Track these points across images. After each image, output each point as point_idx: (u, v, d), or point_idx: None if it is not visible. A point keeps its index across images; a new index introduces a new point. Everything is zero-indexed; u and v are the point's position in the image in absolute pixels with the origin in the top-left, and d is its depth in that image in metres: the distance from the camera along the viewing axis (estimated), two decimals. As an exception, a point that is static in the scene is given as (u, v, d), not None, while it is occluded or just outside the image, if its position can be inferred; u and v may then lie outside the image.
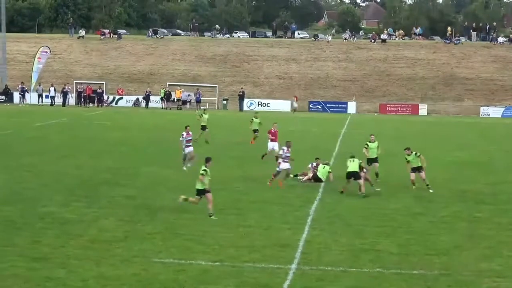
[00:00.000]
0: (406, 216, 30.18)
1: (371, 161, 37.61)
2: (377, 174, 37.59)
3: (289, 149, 36.16)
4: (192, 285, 20.41)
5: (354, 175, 33.94)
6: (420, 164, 35.23)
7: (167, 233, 26.07)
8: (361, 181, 33.71)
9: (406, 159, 35.78)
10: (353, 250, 24.52)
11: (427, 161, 36.21)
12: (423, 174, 35.24)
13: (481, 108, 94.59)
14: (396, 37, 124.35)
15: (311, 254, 23.86)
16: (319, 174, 37.50)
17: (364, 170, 34.99)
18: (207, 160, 29.71)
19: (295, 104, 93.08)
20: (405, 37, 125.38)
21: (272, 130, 44.41)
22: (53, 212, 29.32)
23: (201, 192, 28.81)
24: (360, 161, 34.72)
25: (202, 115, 54.96)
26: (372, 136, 38.42)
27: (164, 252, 23.62)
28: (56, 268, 21.65)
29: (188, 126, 41.98)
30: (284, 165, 35.75)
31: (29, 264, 21.98)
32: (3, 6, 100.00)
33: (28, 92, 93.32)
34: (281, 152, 36.74)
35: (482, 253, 24.58)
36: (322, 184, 36.50)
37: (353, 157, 34.59)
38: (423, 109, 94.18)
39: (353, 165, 34.05)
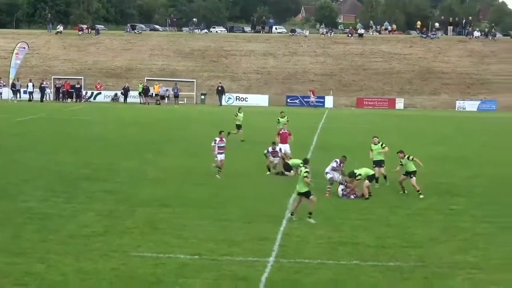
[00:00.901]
0: (383, 209, 30.35)
1: (376, 163, 35.60)
2: (385, 177, 35.55)
3: (342, 164, 33.84)
4: (170, 279, 20.47)
5: (374, 178, 33.58)
6: (415, 169, 33.30)
7: (146, 228, 26.10)
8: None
9: (400, 163, 33.83)
10: (330, 243, 24.64)
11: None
12: (414, 179, 33.10)
13: (457, 102, 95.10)
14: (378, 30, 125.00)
15: (289, 247, 23.97)
16: (290, 162, 37.70)
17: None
18: (306, 161, 28.70)
19: (312, 98, 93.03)
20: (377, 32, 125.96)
21: (281, 132, 42.51)
22: (34, 207, 29.28)
23: (304, 194, 27.63)
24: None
25: (237, 114, 53.62)
26: (375, 139, 36.29)
27: (143, 246, 23.65)
28: (35, 263, 21.65)
29: (223, 131, 38.66)
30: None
31: (9, 259, 21.96)
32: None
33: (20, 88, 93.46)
34: (334, 164, 33.93)
35: (457, 245, 24.78)
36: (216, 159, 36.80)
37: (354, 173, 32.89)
38: (399, 103, 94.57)
39: (366, 170, 33.20)
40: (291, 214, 27.90)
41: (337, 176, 33.42)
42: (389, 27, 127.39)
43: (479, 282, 20.84)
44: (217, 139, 37.14)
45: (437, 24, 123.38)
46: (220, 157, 36.94)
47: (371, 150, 36.06)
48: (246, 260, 22.36)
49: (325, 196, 31.87)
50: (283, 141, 41.43)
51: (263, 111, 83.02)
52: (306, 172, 27.54)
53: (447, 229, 27.00)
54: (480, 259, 23.06)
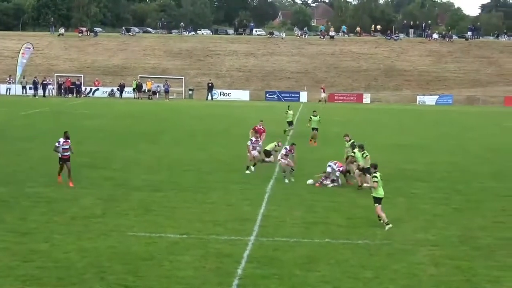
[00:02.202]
0: (352, 192, 30.35)
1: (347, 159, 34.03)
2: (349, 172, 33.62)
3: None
4: (162, 255, 20.42)
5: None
6: (367, 166, 29.83)
7: (140, 210, 26.03)
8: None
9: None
10: (305, 223, 24.65)
11: (372, 144, 35.91)
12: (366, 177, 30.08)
13: (418, 97, 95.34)
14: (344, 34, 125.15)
15: (268, 227, 23.95)
16: (269, 148, 36.90)
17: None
18: (376, 166, 25.12)
19: (323, 95, 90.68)
20: (350, 34, 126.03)
21: (257, 127, 39.96)
22: (39, 192, 29.14)
23: (380, 200, 24.38)
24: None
25: (287, 111, 51.40)
26: (346, 137, 34.77)
27: (137, 227, 23.59)
28: (41, 242, 21.56)
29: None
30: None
31: (17, 239, 21.87)
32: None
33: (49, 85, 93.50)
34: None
35: (419, 225, 24.85)
36: (278, 164, 36.48)
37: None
38: (367, 98, 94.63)
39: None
40: (387, 224, 24.12)
41: (335, 169, 31.87)
42: (345, 30, 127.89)
43: (438, 257, 20.90)
44: (253, 139, 35.84)
45: (378, 27, 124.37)
46: (254, 152, 34.90)
47: (348, 142, 34.44)
48: (229, 239, 22.34)
49: (306, 182, 31.82)
50: (258, 136, 38.45)
51: (244, 105, 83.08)
52: (375, 176, 24.53)
53: (409, 211, 27.09)
54: (439, 237, 23.15)
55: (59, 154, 30.60)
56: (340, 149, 35.57)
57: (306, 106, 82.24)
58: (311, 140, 45.91)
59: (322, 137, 46.72)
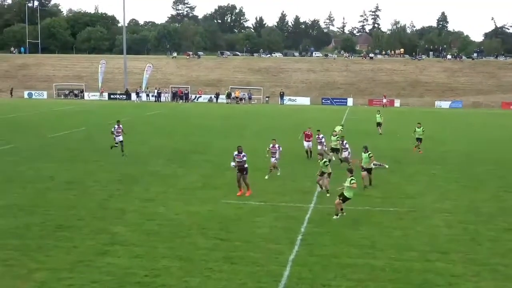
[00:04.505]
0: (384, 174, 29.86)
1: (333, 150, 32.39)
2: (329, 160, 29.98)
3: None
4: (246, 217, 20.52)
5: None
6: (370, 167, 26.43)
7: (231, 184, 26.14)
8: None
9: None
10: (351, 195, 24.40)
11: (401, 138, 35.29)
12: (367, 174, 26.38)
13: (436, 102, 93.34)
14: (379, 55, 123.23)
15: (323, 198, 23.81)
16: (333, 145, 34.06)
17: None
18: (351, 170, 21.45)
19: (385, 100, 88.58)
20: (385, 55, 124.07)
21: (307, 133, 35.45)
22: (158, 170, 29.60)
23: (347, 199, 20.70)
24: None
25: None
26: (334, 132, 33.18)
27: (228, 196, 23.75)
28: (159, 206, 21.93)
29: (342, 125, 34.47)
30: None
31: (142, 204, 22.30)
32: (124, 38, 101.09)
33: (164, 94, 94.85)
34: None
35: (436, 197, 24.38)
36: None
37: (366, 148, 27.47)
38: (397, 103, 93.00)
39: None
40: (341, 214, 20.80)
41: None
42: (383, 53, 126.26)
43: (450, 221, 20.52)
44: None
45: (401, 50, 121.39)
46: (345, 154, 31.00)
47: (334, 136, 32.60)
48: (295, 206, 22.31)
49: (339, 164, 31.53)
50: (307, 138, 34.90)
51: (306, 108, 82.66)
52: (352, 178, 20.86)
53: (429, 186, 26.59)
54: (452, 207, 22.68)
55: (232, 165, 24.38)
56: (374, 138, 35.01)
57: (352, 109, 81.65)
58: (415, 147, 37.92)
59: (362, 131, 46.00)
